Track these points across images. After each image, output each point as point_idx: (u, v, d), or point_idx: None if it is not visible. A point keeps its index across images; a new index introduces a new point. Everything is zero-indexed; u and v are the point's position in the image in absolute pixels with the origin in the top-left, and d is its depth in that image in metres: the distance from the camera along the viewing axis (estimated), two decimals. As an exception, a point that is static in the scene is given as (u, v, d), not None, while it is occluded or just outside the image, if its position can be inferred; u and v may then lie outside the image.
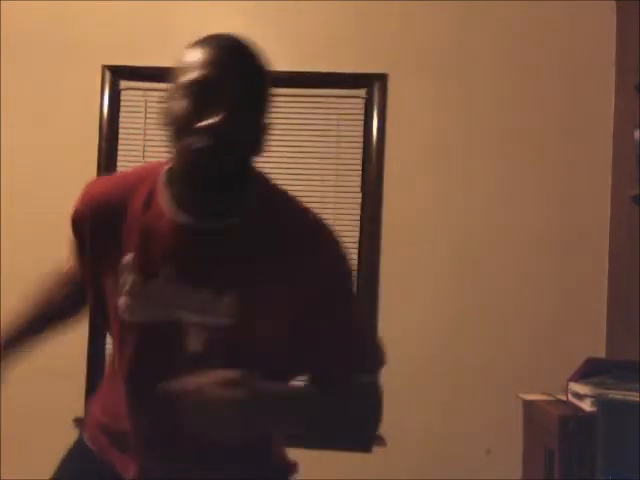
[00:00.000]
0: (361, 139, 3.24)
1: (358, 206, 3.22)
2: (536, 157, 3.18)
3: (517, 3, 3.18)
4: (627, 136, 2.91)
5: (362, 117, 3.25)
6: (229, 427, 1.11)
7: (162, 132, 1.22)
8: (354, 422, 1.29)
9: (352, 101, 3.25)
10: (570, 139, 3.17)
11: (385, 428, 3.47)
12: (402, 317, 3.14)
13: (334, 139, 3.25)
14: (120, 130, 3.32)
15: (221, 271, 1.24)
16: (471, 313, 3.14)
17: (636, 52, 2.88)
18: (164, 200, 1.27)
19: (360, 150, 3.24)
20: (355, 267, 3.18)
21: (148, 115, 3.29)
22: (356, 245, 3.20)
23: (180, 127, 1.17)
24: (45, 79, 3.31)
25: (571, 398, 2.45)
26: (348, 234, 3.18)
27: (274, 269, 1.22)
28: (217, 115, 1.14)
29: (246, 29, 3.71)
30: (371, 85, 3.23)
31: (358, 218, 3.21)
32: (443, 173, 3.20)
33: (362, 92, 3.25)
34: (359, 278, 3.17)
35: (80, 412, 3.20)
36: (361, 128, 3.25)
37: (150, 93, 3.29)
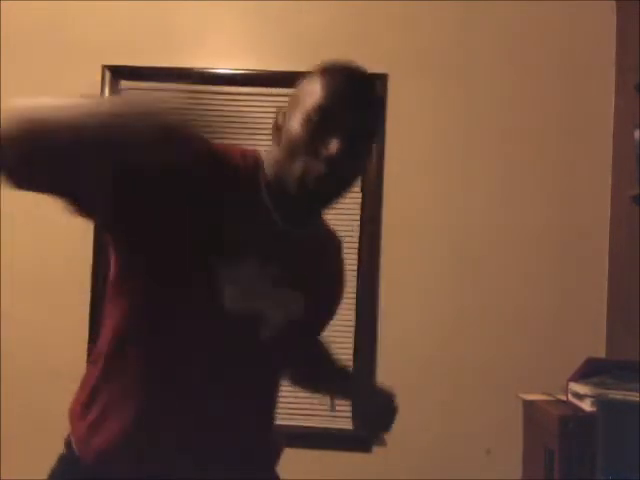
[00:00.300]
0: (361, 139, 3.24)
1: (358, 206, 3.22)
2: (536, 157, 3.18)
3: (517, 3, 3.18)
4: (627, 136, 2.91)
5: (362, 117, 3.24)
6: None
7: (269, 143, 1.27)
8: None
9: (352, 101, 3.25)
10: (570, 139, 3.17)
11: (385, 428, 3.44)
12: (402, 317, 3.14)
13: (334, 139, 3.25)
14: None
15: (299, 272, 1.33)
16: (471, 313, 3.14)
17: (636, 52, 2.88)
18: (264, 195, 1.27)
19: (360, 150, 3.24)
20: (355, 267, 3.18)
21: (148, 115, 3.28)
22: (356, 245, 3.19)
23: (294, 149, 1.20)
24: (45, 79, 3.31)
25: (571, 398, 2.45)
26: (348, 234, 3.17)
27: (326, 271, 1.43)
28: (336, 145, 1.18)
29: (246, 29, 3.73)
30: (371, 85, 3.22)
31: (358, 218, 3.21)
32: (443, 173, 3.20)
33: (362, 92, 3.24)
34: (359, 278, 3.17)
35: (80, 412, 3.21)
36: (361, 128, 3.24)
37: (150, 93, 3.29)
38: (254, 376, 1.31)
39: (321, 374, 1.65)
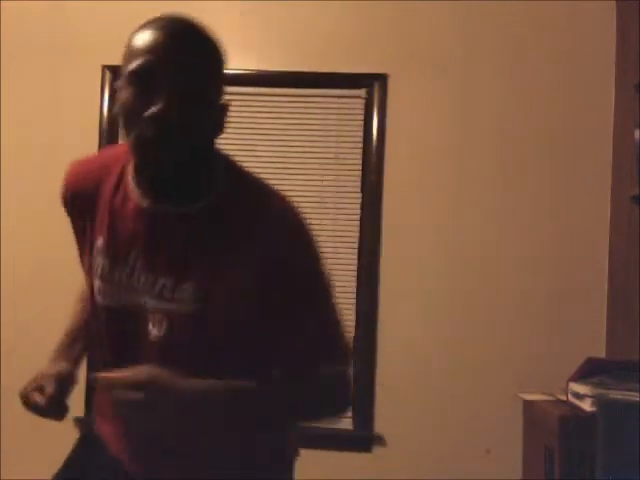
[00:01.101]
0: (361, 139, 3.24)
1: (358, 206, 3.22)
2: (536, 157, 3.17)
3: (517, 3, 3.18)
4: (627, 136, 2.90)
5: (362, 117, 3.24)
6: (148, 426, 1.15)
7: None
8: (320, 405, 1.29)
9: (352, 101, 3.25)
10: (570, 139, 3.17)
11: (385, 428, 3.49)
12: (402, 317, 3.14)
13: (334, 139, 3.25)
14: (120, 130, 3.31)
15: (184, 257, 1.23)
16: (471, 313, 3.14)
17: (636, 52, 2.88)
18: (131, 184, 1.27)
19: (360, 150, 3.24)
20: (355, 267, 3.18)
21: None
22: (356, 245, 3.19)
23: (127, 116, 1.18)
24: (45, 79, 3.31)
25: (571, 398, 2.45)
26: (348, 234, 3.18)
27: (241, 254, 1.21)
28: (159, 103, 1.13)
29: (246, 29, 3.73)
30: (371, 85, 3.22)
31: (358, 218, 3.21)
32: (443, 173, 3.20)
33: (362, 92, 3.24)
34: (359, 278, 3.17)
35: (80, 412, 3.20)
36: (361, 128, 3.24)
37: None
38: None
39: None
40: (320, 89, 3.23)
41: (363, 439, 3.15)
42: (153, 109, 1.13)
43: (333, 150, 3.24)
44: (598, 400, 2.18)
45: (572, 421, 2.28)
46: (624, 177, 2.97)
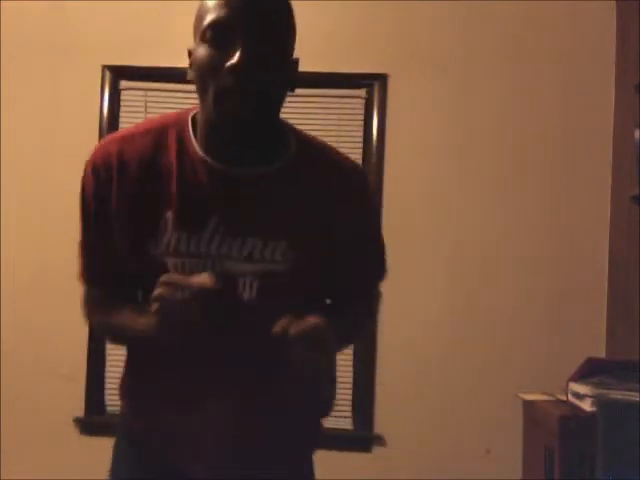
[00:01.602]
0: (361, 139, 3.24)
1: (358, 206, 3.21)
2: (536, 157, 3.18)
3: (517, 3, 3.18)
4: (627, 136, 2.91)
5: (362, 117, 3.24)
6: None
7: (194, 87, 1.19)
8: (367, 328, 1.56)
9: (352, 101, 3.25)
10: (570, 139, 3.17)
11: (385, 428, 3.49)
12: (402, 317, 3.14)
13: (334, 139, 3.24)
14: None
15: (267, 218, 1.23)
16: (471, 313, 3.14)
17: (636, 52, 2.88)
18: (198, 151, 1.23)
19: (360, 150, 3.24)
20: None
21: (148, 115, 3.29)
22: (356, 245, 3.19)
23: (205, 73, 1.16)
24: (45, 79, 3.31)
25: (571, 398, 2.45)
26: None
27: (321, 209, 1.27)
28: (237, 54, 1.12)
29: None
30: (371, 85, 3.23)
31: (358, 218, 3.21)
32: (443, 173, 3.20)
33: (362, 92, 3.25)
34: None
35: (80, 412, 3.21)
36: (361, 128, 3.24)
37: (150, 93, 3.29)
38: (251, 344, 1.24)
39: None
40: (320, 89, 3.22)
41: (363, 439, 3.15)
42: (232, 60, 1.12)
43: (333, 150, 3.24)
44: (598, 400, 2.19)
45: (572, 421, 2.28)
46: (624, 177, 2.97)
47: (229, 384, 1.25)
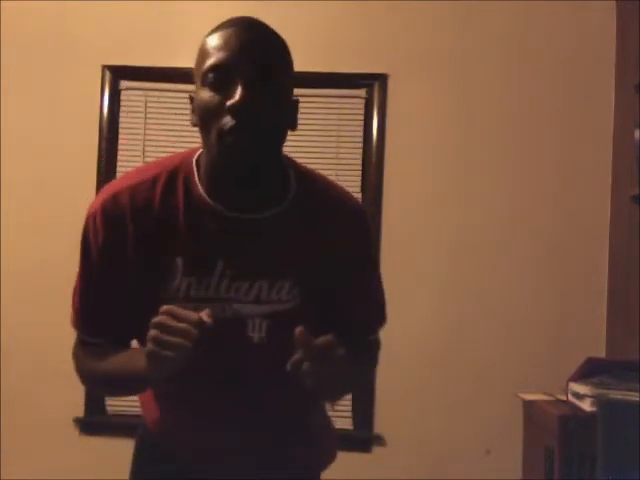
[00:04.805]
0: (361, 139, 3.24)
1: (358, 206, 3.21)
2: (536, 157, 3.18)
3: (517, 3, 3.18)
4: (627, 136, 2.91)
5: (362, 117, 3.24)
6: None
7: (197, 131, 1.21)
8: (368, 374, 1.56)
9: (352, 101, 3.25)
10: (570, 139, 3.17)
11: (385, 428, 3.48)
12: (402, 317, 3.13)
13: (334, 139, 3.25)
14: (120, 130, 3.32)
15: (272, 259, 1.26)
16: (471, 313, 3.14)
17: (636, 52, 2.88)
18: (203, 195, 1.24)
19: (360, 150, 3.24)
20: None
21: (148, 115, 3.29)
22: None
23: (207, 114, 1.17)
24: (45, 79, 3.31)
25: (571, 398, 2.45)
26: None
27: (322, 246, 1.30)
28: (238, 94, 1.13)
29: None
30: (371, 85, 3.23)
31: (358, 218, 3.21)
32: (443, 173, 3.20)
33: (362, 92, 3.25)
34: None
35: (80, 412, 3.21)
36: (361, 128, 3.24)
37: (150, 93, 3.29)
38: (265, 383, 1.31)
39: None
40: (320, 89, 3.22)
41: (363, 439, 3.15)
42: (233, 99, 1.13)
43: (333, 150, 3.25)
44: (598, 400, 2.18)
45: (572, 421, 2.28)
46: (624, 177, 2.97)
47: (244, 431, 1.34)
